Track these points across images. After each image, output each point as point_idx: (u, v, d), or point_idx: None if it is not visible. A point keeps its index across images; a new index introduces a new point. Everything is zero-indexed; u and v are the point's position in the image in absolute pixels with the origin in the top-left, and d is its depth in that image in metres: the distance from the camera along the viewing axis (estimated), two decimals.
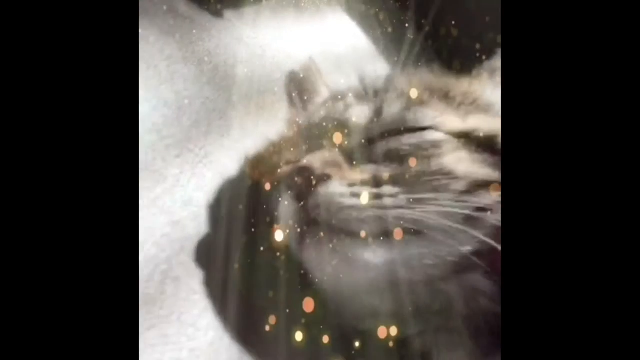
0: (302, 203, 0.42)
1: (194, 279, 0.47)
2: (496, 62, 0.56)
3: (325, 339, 0.44)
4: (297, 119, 0.62)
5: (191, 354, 0.43)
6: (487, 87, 0.54)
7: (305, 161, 0.44)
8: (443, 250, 0.40)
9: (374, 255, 0.41)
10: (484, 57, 0.63)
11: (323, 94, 0.71)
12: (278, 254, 0.46)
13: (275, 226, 0.44)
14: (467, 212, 0.40)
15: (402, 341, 0.43)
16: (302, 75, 0.76)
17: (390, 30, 1.06)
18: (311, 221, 0.42)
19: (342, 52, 0.95)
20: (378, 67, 0.98)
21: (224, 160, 0.57)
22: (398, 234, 0.40)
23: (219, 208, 0.52)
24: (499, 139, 0.44)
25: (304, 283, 0.45)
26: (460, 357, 0.42)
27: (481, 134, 0.46)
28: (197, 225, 0.50)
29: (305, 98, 0.71)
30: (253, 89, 0.69)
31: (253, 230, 0.49)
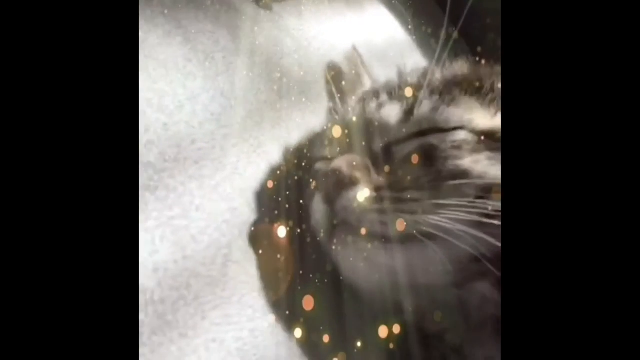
0: (330, 205, 0.45)
1: (251, 263, 0.49)
2: None
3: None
4: (336, 114, 0.63)
5: (250, 334, 0.45)
6: None
7: (334, 165, 0.46)
8: (458, 254, 0.42)
9: (393, 258, 0.43)
10: None
11: (366, 85, 0.73)
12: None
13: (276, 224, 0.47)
14: (479, 218, 0.41)
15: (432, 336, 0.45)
16: (345, 66, 0.77)
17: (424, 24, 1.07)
18: (339, 222, 0.44)
19: (383, 43, 0.97)
20: (417, 60, 1.00)
21: (274, 151, 0.60)
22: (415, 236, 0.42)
23: (265, 196, 0.54)
24: None
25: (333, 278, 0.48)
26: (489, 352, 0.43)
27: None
28: (250, 211, 0.53)
29: (348, 90, 0.73)
30: (300, 80, 0.71)
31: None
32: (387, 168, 0.46)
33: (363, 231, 0.44)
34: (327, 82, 0.76)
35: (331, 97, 0.73)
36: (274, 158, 0.60)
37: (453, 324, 0.44)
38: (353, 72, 0.76)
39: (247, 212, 0.52)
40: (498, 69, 0.54)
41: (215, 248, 0.47)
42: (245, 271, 0.48)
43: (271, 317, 0.47)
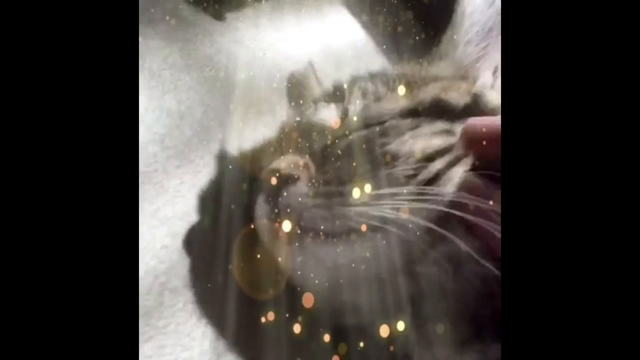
0: (272, 204, 0.45)
1: (190, 289, 0.49)
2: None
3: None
4: (289, 122, 0.64)
5: None
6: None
7: (274, 165, 0.46)
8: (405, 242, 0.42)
9: (339, 253, 0.43)
10: None
11: (317, 94, 0.73)
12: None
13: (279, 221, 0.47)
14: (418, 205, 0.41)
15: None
16: (299, 77, 0.77)
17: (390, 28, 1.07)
18: (281, 220, 0.45)
19: (342, 50, 0.97)
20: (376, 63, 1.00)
21: (221, 167, 0.60)
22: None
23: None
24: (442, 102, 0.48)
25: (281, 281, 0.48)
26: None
27: (426, 104, 0.48)
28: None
29: (301, 101, 0.73)
30: (252, 93, 0.71)
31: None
32: (326, 165, 0.47)
33: (305, 227, 0.44)
34: (284, 93, 0.76)
35: (288, 108, 0.73)
36: (222, 175, 0.59)
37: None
38: (308, 85, 0.76)
39: (193, 234, 0.52)
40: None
41: (152, 276, 0.47)
42: (185, 298, 0.48)
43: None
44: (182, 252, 0.49)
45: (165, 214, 0.51)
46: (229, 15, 0.77)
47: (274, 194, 0.44)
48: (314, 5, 0.96)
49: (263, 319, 0.46)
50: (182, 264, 0.50)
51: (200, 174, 0.57)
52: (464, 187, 0.41)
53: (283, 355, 0.46)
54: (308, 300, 0.45)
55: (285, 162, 0.46)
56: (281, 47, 0.81)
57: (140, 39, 0.59)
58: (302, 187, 0.43)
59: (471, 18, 0.53)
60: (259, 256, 0.50)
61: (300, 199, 0.43)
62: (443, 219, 0.40)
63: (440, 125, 0.46)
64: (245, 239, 0.51)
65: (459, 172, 0.42)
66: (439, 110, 0.47)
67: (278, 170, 0.45)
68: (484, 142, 0.40)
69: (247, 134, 0.64)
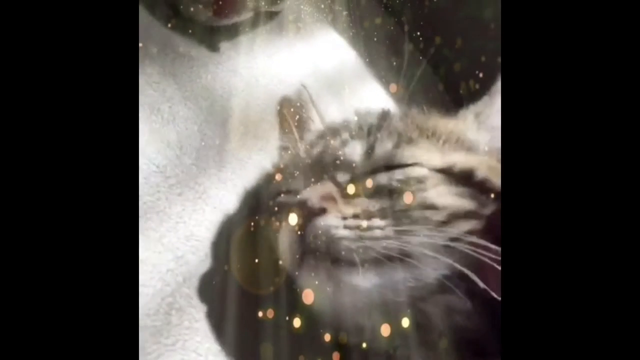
0: (300, 233, 0.49)
1: (195, 308, 0.53)
2: (480, 106, 0.62)
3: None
4: (293, 149, 0.67)
5: None
6: (470, 128, 0.60)
7: (304, 195, 0.50)
8: (422, 275, 0.47)
9: (364, 280, 0.47)
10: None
11: (316, 120, 0.76)
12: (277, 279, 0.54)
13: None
14: (442, 242, 0.46)
15: (384, 354, 0.50)
16: (294, 102, 0.81)
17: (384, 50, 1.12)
18: (309, 250, 0.48)
19: (335, 73, 1.01)
20: (371, 94, 1.04)
21: (221, 194, 0.64)
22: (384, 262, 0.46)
23: (220, 243, 0.58)
24: (476, 172, 0.51)
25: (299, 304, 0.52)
26: None
27: (458, 169, 0.52)
28: (197, 257, 0.57)
29: (298, 125, 0.76)
30: (247, 119, 0.75)
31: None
32: (353, 199, 0.50)
33: (332, 258, 0.47)
34: (277, 118, 0.79)
35: (282, 132, 0.77)
36: (221, 201, 0.63)
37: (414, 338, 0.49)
38: (302, 108, 0.79)
39: (192, 259, 0.56)
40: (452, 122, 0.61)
41: (159, 298, 0.51)
42: (191, 316, 0.52)
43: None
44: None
45: (170, 239, 0.55)
46: (223, 45, 0.81)
47: (302, 224, 0.48)
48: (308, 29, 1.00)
49: None
50: (186, 284, 0.54)
51: (200, 200, 0.61)
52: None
53: None
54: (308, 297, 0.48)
55: (314, 193, 0.50)
56: (273, 72, 0.85)
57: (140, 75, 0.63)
58: (330, 220, 0.47)
59: None
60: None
61: (328, 231, 0.47)
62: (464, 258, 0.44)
63: (467, 191, 0.50)
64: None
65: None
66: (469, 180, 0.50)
67: (308, 200, 0.49)
68: None
69: (242, 162, 0.68)
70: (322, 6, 1.10)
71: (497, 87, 0.60)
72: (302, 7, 1.01)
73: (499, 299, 0.42)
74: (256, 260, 0.55)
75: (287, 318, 0.51)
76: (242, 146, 0.71)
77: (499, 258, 0.41)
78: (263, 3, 0.83)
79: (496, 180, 0.49)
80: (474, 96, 0.64)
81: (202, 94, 0.70)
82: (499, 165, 0.53)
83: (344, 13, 1.11)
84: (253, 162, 0.71)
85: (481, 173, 0.50)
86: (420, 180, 0.49)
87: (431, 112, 0.66)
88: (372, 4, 1.21)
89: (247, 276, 0.56)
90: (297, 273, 0.49)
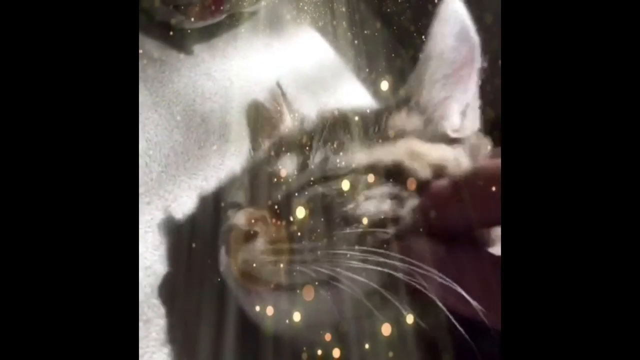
0: (232, 258, 0.49)
1: (163, 319, 0.54)
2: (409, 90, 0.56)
3: None
4: (252, 157, 0.67)
5: None
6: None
7: (234, 220, 0.50)
8: (357, 292, 0.44)
9: (294, 304, 0.47)
10: None
11: (287, 122, 0.76)
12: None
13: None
14: (360, 262, 0.44)
15: None
16: (268, 103, 0.81)
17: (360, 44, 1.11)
18: (241, 274, 0.48)
19: (312, 71, 1.01)
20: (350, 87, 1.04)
21: (191, 202, 0.64)
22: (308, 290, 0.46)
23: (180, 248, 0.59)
24: (402, 164, 0.48)
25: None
26: None
27: (386, 163, 0.48)
28: (164, 267, 0.57)
29: (267, 129, 0.76)
30: (221, 123, 0.75)
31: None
32: (283, 220, 0.49)
33: (263, 282, 0.48)
34: (247, 121, 0.79)
35: (250, 137, 0.77)
36: (191, 209, 0.64)
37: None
38: (276, 109, 0.78)
39: (160, 269, 0.56)
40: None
41: None
42: (159, 328, 0.53)
43: None
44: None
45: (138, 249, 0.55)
46: (197, 48, 0.80)
47: (233, 249, 0.48)
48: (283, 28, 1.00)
49: None
50: (154, 295, 0.54)
51: (170, 208, 0.61)
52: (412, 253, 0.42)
53: None
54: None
55: (244, 218, 0.49)
56: (248, 74, 0.84)
57: None
58: (259, 244, 0.47)
59: (440, 59, 0.52)
60: None
61: (257, 256, 0.47)
62: (390, 283, 0.43)
63: (394, 189, 0.47)
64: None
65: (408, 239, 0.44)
66: (395, 175, 0.47)
67: (237, 226, 0.49)
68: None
69: (214, 168, 0.68)
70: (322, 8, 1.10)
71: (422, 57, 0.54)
72: (280, 7, 1.01)
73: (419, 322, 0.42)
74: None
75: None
76: (215, 151, 0.71)
77: (419, 270, 0.41)
78: (240, 3, 0.83)
79: (417, 167, 0.47)
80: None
81: (174, 99, 0.70)
82: (423, 148, 0.50)
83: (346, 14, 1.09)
84: (225, 167, 0.71)
85: (407, 164, 0.47)
86: (341, 193, 0.47)
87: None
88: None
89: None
90: (238, 295, 0.50)
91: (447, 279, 0.39)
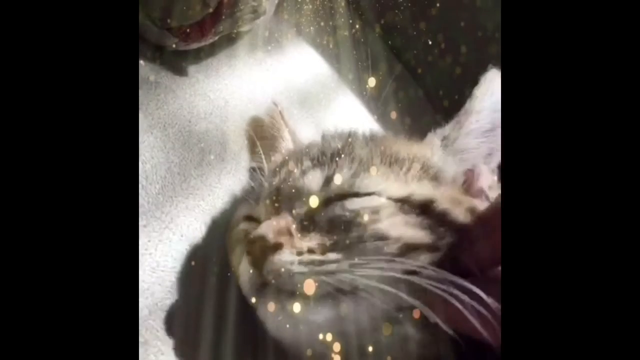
0: (257, 269, 0.50)
1: (161, 341, 0.54)
2: (447, 129, 0.62)
3: None
4: (260, 173, 0.68)
5: None
6: (435, 153, 0.60)
7: (260, 230, 0.51)
8: (376, 308, 0.47)
9: (318, 315, 0.48)
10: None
11: (286, 139, 0.77)
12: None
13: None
14: (397, 274, 0.46)
15: None
16: (265, 120, 0.82)
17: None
18: (266, 284, 0.50)
19: (307, 87, 1.02)
20: (344, 105, 1.05)
21: (189, 222, 0.64)
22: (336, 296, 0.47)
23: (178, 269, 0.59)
24: (435, 204, 0.50)
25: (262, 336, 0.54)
26: None
27: (416, 199, 0.51)
28: (163, 289, 0.57)
29: (269, 146, 0.77)
30: (217, 142, 0.76)
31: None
32: (309, 233, 0.51)
33: (288, 292, 0.48)
34: (246, 139, 0.80)
35: (252, 154, 0.78)
36: (189, 229, 0.64)
37: None
38: (273, 126, 0.79)
39: (158, 290, 0.57)
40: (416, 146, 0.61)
41: None
42: (157, 349, 0.53)
43: None
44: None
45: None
46: (191, 69, 0.81)
47: (259, 260, 0.49)
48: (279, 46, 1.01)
49: None
50: (151, 317, 0.55)
51: (166, 230, 0.62)
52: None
53: None
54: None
55: (270, 228, 0.50)
56: (243, 93, 0.85)
57: None
58: (286, 255, 0.48)
59: (478, 114, 0.57)
60: None
61: (284, 267, 0.48)
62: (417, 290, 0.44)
63: (424, 221, 0.49)
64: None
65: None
66: (426, 210, 0.50)
67: (264, 236, 0.49)
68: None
69: (211, 188, 0.69)
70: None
71: (466, 109, 0.60)
72: (273, 23, 1.02)
73: (450, 332, 0.43)
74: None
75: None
76: (211, 171, 0.71)
77: (454, 291, 0.42)
78: (235, 24, 0.83)
79: (456, 212, 0.49)
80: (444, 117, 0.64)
81: (169, 121, 0.71)
82: (460, 197, 0.53)
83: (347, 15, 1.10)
84: (222, 187, 0.72)
85: (440, 205, 0.50)
86: (375, 211, 0.49)
87: (398, 135, 0.67)
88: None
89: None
90: (256, 306, 0.50)
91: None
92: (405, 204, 0.51)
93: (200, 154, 0.72)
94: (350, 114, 1.05)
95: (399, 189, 0.52)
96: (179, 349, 0.54)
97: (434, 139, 0.62)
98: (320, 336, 0.48)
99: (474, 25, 1.19)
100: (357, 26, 1.28)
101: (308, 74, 1.05)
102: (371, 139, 0.63)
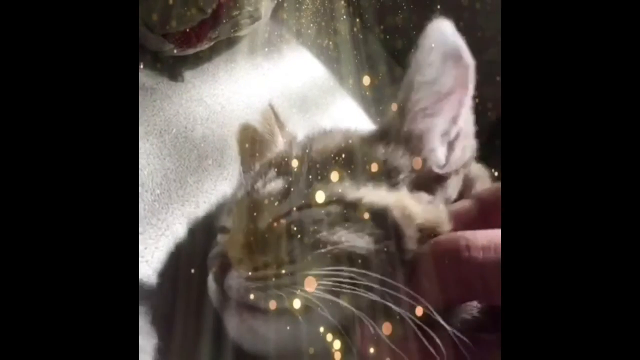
0: (218, 284, 0.50)
1: (156, 347, 0.54)
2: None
3: None
4: (243, 180, 0.67)
5: None
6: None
7: (219, 248, 0.51)
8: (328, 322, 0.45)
9: (275, 328, 0.48)
10: None
11: (279, 144, 0.76)
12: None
13: None
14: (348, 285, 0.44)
15: None
16: (260, 126, 0.81)
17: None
18: (227, 298, 0.50)
19: (304, 90, 1.02)
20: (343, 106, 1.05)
21: (184, 229, 0.65)
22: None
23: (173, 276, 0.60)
24: (389, 212, 0.47)
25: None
26: None
27: (367, 202, 0.48)
28: (160, 297, 0.58)
29: (259, 152, 0.76)
30: (213, 148, 0.76)
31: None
32: (266, 246, 0.50)
33: (247, 306, 0.48)
34: (238, 144, 0.79)
35: (241, 161, 0.77)
36: (183, 236, 0.64)
37: None
38: (269, 131, 0.79)
39: (155, 298, 0.57)
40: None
41: None
42: (145, 353, 0.53)
43: None
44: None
45: None
46: (187, 74, 0.82)
47: (219, 276, 0.49)
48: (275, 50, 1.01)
49: None
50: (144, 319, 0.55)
51: (162, 237, 0.62)
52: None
53: None
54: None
55: (229, 245, 0.51)
56: (240, 97, 0.85)
57: None
58: (242, 271, 0.48)
59: (422, 86, 0.50)
60: None
61: (240, 283, 0.48)
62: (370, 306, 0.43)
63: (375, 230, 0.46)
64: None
65: None
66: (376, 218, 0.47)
67: (223, 254, 0.50)
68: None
69: (206, 194, 0.69)
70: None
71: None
72: (269, 27, 1.02)
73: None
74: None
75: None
76: (207, 177, 0.72)
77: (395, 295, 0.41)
78: (230, 29, 0.84)
79: (406, 223, 0.47)
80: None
81: (165, 127, 0.71)
82: (413, 205, 0.49)
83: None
84: (217, 192, 0.72)
85: (395, 214, 0.47)
86: (331, 222, 0.47)
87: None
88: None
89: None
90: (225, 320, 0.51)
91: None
92: (356, 209, 0.48)
93: (196, 160, 0.72)
94: (348, 116, 1.04)
95: (354, 193, 0.49)
96: (176, 356, 0.54)
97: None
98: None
99: (473, 26, 1.19)
100: (356, 28, 1.28)
101: (306, 77, 1.05)
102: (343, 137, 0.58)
